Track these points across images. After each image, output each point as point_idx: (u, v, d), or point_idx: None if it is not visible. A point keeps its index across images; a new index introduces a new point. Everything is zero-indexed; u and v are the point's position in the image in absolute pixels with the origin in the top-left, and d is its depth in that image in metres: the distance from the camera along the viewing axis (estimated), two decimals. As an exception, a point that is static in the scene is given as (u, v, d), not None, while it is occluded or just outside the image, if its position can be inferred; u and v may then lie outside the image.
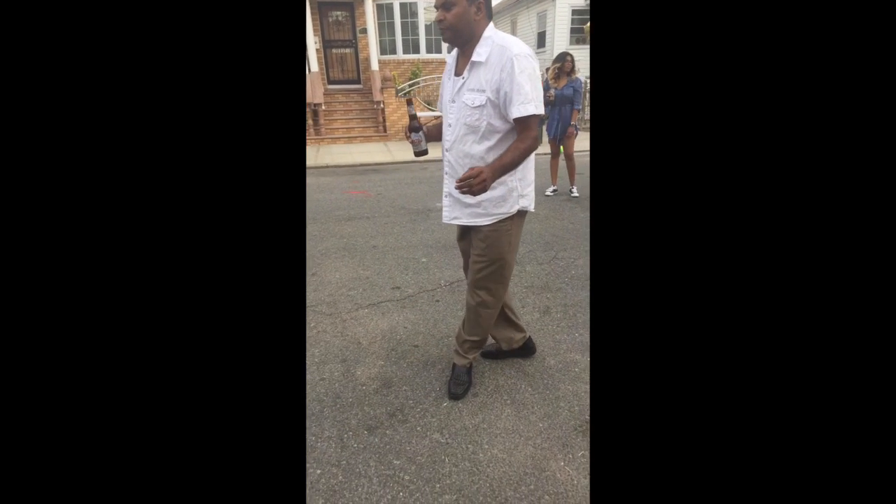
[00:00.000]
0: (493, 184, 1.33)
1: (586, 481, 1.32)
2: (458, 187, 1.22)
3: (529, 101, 1.23)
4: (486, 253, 1.48)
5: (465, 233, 1.62)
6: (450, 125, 1.37)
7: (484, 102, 1.26)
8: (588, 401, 1.65)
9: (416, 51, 9.58)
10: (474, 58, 1.26)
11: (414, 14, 9.33)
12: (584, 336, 2.05)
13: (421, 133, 1.45)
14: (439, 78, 9.20)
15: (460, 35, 1.26)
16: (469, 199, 1.39)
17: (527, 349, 1.88)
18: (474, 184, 1.19)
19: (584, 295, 2.43)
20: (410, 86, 8.67)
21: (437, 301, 2.44)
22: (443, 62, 9.59)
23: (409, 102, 1.48)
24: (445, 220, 1.49)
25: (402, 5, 9.24)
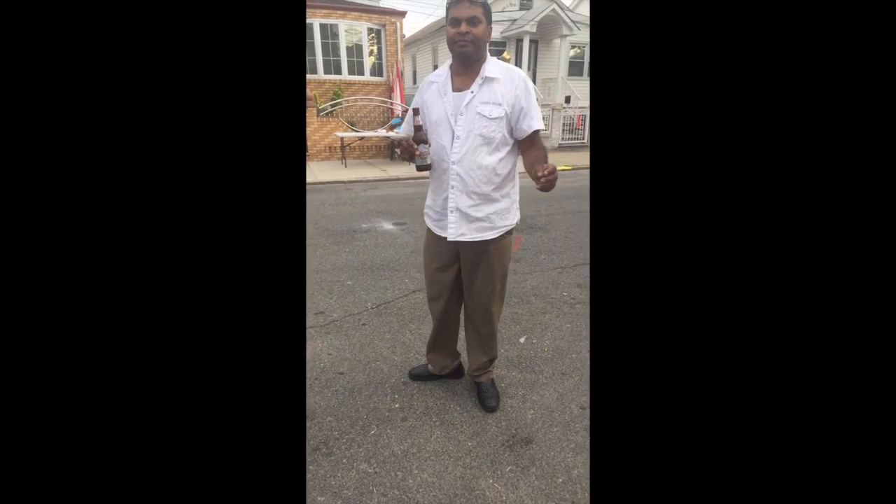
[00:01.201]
0: (499, 196, 1.42)
1: (514, 496, 1.34)
2: (547, 179, 1.17)
3: (541, 117, 1.39)
4: (496, 268, 1.52)
5: (455, 259, 1.56)
6: (458, 138, 1.36)
7: (502, 115, 1.34)
8: (515, 416, 1.69)
9: (338, 72, 9.50)
10: (486, 74, 1.34)
11: (335, 35, 9.28)
12: (508, 351, 2.11)
13: (427, 146, 1.37)
14: (361, 99, 9.19)
15: (478, 50, 1.32)
16: (476, 212, 1.42)
17: (458, 373, 1.89)
18: (556, 177, 1.19)
19: (507, 311, 2.52)
20: (332, 106, 8.56)
21: (364, 325, 2.38)
22: (365, 84, 9.61)
23: (416, 112, 1.39)
24: (451, 237, 1.45)
25: (322, 26, 9.16)
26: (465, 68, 1.35)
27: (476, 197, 1.40)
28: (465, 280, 1.58)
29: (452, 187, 1.40)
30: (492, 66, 1.35)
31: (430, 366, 1.86)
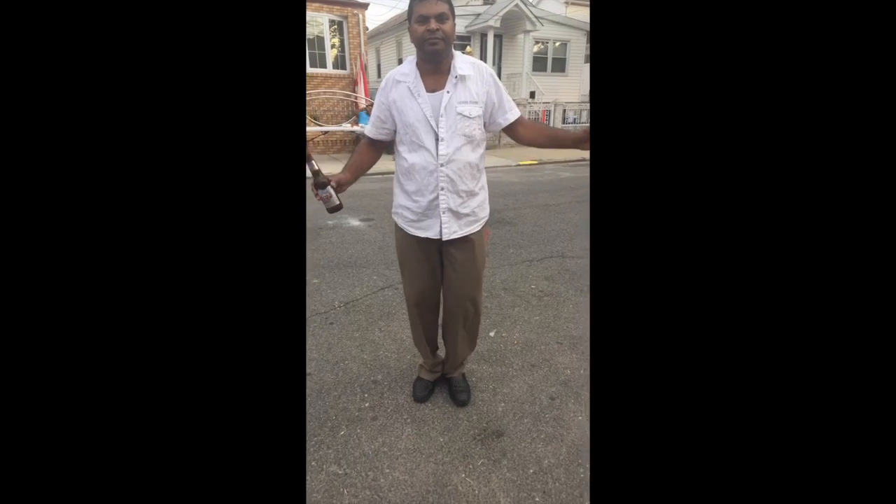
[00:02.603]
0: (477, 189, 1.46)
1: (486, 489, 1.34)
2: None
3: (514, 105, 1.45)
4: (475, 259, 1.54)
5: (438, 256, 1.56)
6: (443, 140, 1.34)
7: (480, 113, 1.36)
8: (486, 409, 1.70)
9: (300, 64, 9.24)
10: (459, 72, 1.32)
11: (295, 26, 9.00)
12: (479, 346, 2.11)
13: (329, 188, 1.32)
14: (325, 93, 8.97)
15: (448, 47, 1.29)
16: (464, 209, 1.44)
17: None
18: None
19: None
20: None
21: (331, 324, 2.33)
22: (328, 76, 9.38)
23: (309, 159, 1.28)
24: (446, 237, 1.45)
25: (282, 16, 8.85)
26: (435, 67, 1.33)
27: (464, 194, 1.42)
28: (451, 275, 1.56)
29: (443, 189, 1.40)
30: (460, 62, 1.34)
31: (422, 373, 1.81)
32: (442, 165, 1.37)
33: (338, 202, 1.37)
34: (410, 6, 1.27)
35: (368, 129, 1.49)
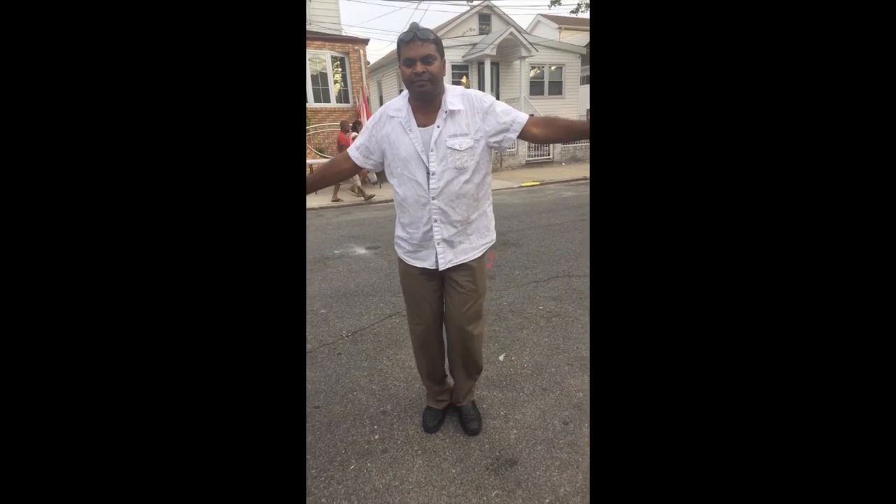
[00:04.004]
0: (475, 215, 1.45)
1: (502, 522, 1.30)
2: None
3: (514, 111, 1.39)
4: (476, 287, 1.53)
5: (438, 284, 1.56)
6: (434, 174, 1.36)
7: (472, 144, 1.36)
8: (498, 437, 1.66)
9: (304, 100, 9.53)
10: (450, 107, 1.34)
11: (299, 64, 9.32)
12: (488, 371, 2.09)
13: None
14: (329, 126, 9.20)
15: (436, 87, 1.31)
16: (460, 237, 1.44)
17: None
18: None
19: (485, 329, 2.50)
20: (299, 134, 8.52)
21: (339, 354, 2.31)
22: (332, 110, 9.63)
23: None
24: (442, 266, 1.46)
25: (286, 56, 9.17)
26: (426, 104, 1.36)
27: (458, 224, 1.42)
28: (450, 303, 1.56)
29: (436, 221, 1.41)
30: (451, 97, 1.36)
31: (430, 402, 1.78)
32: (434, 198, 1.38)
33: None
34: (398, 49, 1.30)
35: (353, 152, 1.49)
